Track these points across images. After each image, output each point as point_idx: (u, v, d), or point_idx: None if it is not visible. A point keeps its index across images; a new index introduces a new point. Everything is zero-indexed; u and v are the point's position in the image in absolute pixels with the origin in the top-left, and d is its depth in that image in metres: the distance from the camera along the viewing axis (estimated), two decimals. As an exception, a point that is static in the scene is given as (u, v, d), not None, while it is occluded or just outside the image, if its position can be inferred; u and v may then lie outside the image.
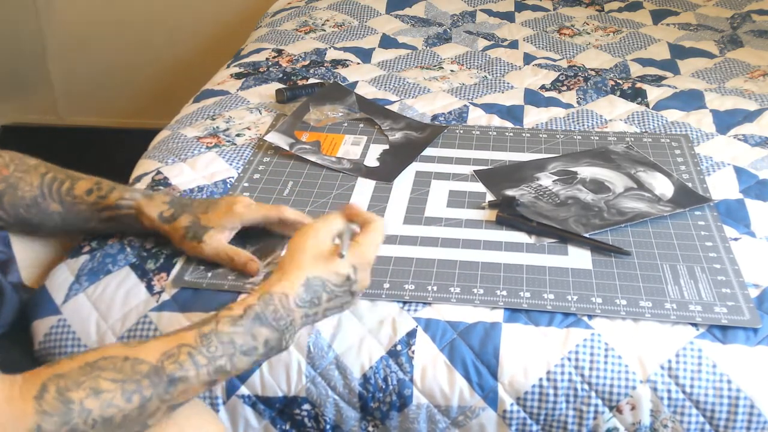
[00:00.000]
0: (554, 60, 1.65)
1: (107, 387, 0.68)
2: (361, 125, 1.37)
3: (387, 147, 1.30)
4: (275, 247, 1.03)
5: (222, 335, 0.76)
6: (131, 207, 1.01)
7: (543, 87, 1.52)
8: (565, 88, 1.51)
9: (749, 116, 1.38)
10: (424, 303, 0.96)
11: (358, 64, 1.64)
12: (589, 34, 1.79)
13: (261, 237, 1.04)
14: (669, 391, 0.88)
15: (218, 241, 0.99)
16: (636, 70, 1.59)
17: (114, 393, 0.68)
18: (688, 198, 1.14)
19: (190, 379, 0.73)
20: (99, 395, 0.68)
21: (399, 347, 0.92)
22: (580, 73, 1.57)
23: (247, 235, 1.03)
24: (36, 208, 1.00)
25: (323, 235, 0.86)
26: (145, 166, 1.26)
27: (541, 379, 0.89)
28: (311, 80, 1.55)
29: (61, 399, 0.66)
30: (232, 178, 1.21)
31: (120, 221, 1.03)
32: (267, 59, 1.67)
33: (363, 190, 1.18)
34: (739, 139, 1.31)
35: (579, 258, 1.02)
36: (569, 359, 0.90)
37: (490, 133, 1.34)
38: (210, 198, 1.06)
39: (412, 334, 0.92)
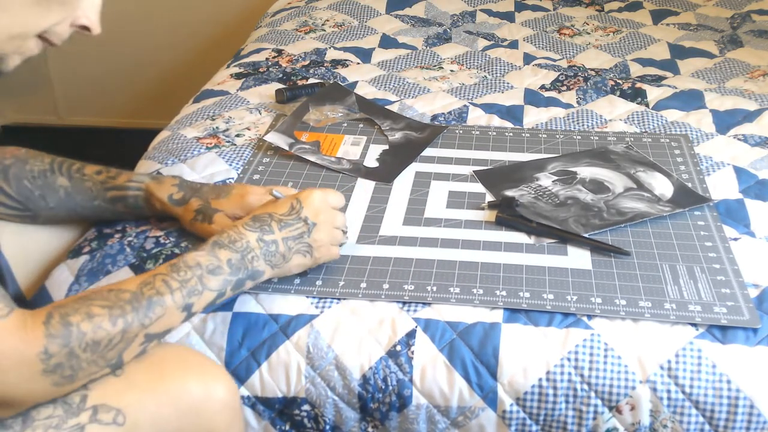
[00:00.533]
0: (554, 60, 1.65)
1: (98, 312, 0.76)
2: (361, 125, 1.37)
3: (387, 147, 1.30)
4: None
5: (188, 260, 0.84)
6: (140, 188, 1.05)
7: (543, 87, 1.52)
8: (565, 88, 1.51)
9: (749, 116, 1.38)
10: (424, 303, 0.96)
11: (358, 64, 1.64)
12: (589, 34, 1.79)
13: None
14: (668, 391, 0.88)
15: (228, 222, 1.02)
16: (636, 70, 1.59)
17: (103, 317, 0.75)
18: (687, 198, 1.14)
19: (166, 302, 0.80)
20: (92, 319, 0.75)
21: (398, 348, 0.92)
22: (580, 73, 1.57)
23: None
24: (42, 180, 1.03)
25: (261, 192, 1.00)
26: (145, 167, 1.26)
27: (540, 380, 0.89)
28: (311, 80, 1.55)
29: (63, 323, 0.73)
30: (232, 178, 1.21)
31: (126, 203, 1.05)
32: (267, 59, 1.67)
33: (363, 190, 1.18)
34: (738, 139, 1.31)
35: (578, 258, 1.02)
36: (569, 359, 0.90)
37: (490, 133, 1.34)
38: (220, 185, 1.08)
39: (411, 335, 0.92)
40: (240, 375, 0.93)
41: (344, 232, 1.00)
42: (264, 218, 0.91)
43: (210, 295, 0.84)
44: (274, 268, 0.91)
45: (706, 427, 0.88)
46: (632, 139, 1.31)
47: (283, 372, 0.92)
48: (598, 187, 1.17)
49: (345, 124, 1.37)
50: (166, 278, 0.81)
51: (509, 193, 1.16)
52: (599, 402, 0.89)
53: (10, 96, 2.67)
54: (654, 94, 1.47)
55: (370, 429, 0.93)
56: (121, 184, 1.05)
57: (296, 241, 0.92)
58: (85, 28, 0.78)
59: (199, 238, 1.04)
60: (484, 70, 1.60)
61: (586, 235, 1.05)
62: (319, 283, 0.98)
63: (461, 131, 1.35)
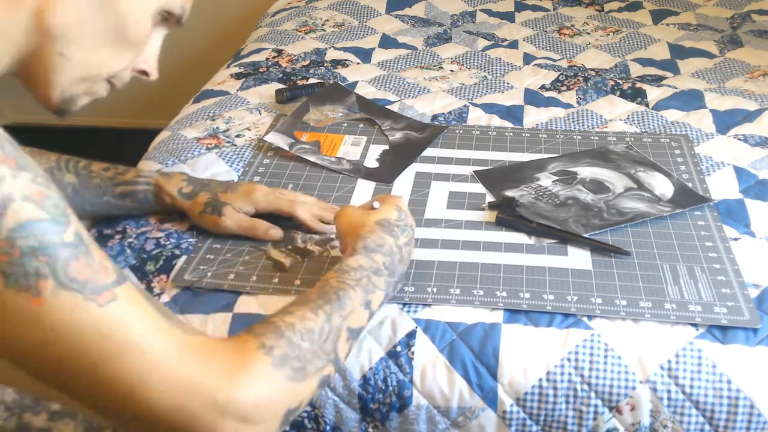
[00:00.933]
0: (554, 60, 1.65)
1: (295, 309, 0.74)
2: (361, 125, 1.37)
3: (387, 147, 1.30)
4: (289, 231, 1.07)
5: (351, 263, 0.84)
6: (149, 183, 1.06)
7: (543, 87, 1.52)
8: (565, 88, 1.51)
9: (749, 116, 1.38)
10: (424, 305, 0.96)
11: (358, 64, 1.64)
12: (589, 34, 1.79)
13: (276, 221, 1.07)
14: (669, 391, 0.88)
15: (236, 215, 1.04)
16: (636, 70, 1.59)
17: (303, 310, 0.74)
18: (687, 198, 1.14)
19: (351, 295, 0.79)
20: (292, 313, 0.73)
21: (399, 348, 0.92)
22: (580, 73, 1.57)
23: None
24: (49, 177, 1.02)
25: (355, 207, 0.97)
26: (145, 167, 1.26)
27: (540, 380, 0.89)
28: (311, 80, 1.55)
29: (265, 323, 0.71)
30: (232, 180, 1.21)
31: (135, 197, 1.06)
32: (267, 59, 1.67)
33: (363, 191, 1.18)
34: (739, 139, 1.31)
35: (579, 258, 1.02)
36: (569, 360, 0.90)
37: (490, 133, 1.34)
38: (227, 181, 1.11)
39: (411, 335, 0.92)
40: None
41: None
42: (388, 225, 0.91)
43: (380, 295, 0.85)
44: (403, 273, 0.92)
45: (707, 427, 0.88)
46: (632, 139, 1.31)
47: (283, 372, 0.92)
48: (598, 187, 1.17)
49: (345, 124, 1.37)
50: (339, 278, 0.81)
51: (509, 193, 1.16)
52: (599, 402, 0.89)
53: (10, 96, 2.67)
54: (654, 94, 1.47)
55: (370, 429, 0.93)
56: (130, 179, 1.06)
57: (408, 247, 0.93)
58: (144, 73, 0.78)
59: (204, 231, 1.06)
60: (484, 70, 1.60)
61: (586, 236, 1.05)
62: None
63: (461, 131, 1.35)
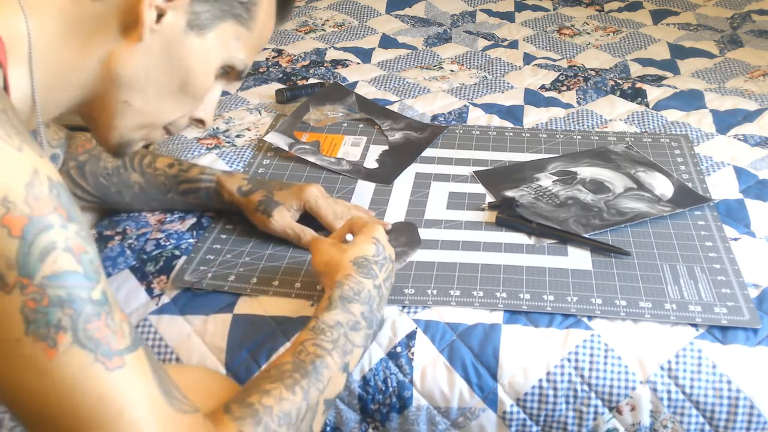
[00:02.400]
0: (554, 60, 1.65)
1: (271, 387, 0.72)
2: (361, 125, 1.37)
3: (386, 148, 1.30)
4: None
5: (327, 320, 0.81)
6: (212, 181, 1.08)
7: (543, 87, 1.52)
8: (565, 88, 1.51)
9: (749, 116, 1.38)
10: (424, 307, 0.96)
11: (358, 64, 1.64)
12: (589, 34, 1.79)
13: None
14: (669, 391, 0.88)
15: (286, 218, 1.04)
16: (636, 70, 1.59)
17: (279, 389, 0.72)
18: (687, 198, 1.14)
19: (328, 363, 0.77)
20: (269, 393, 0.72)
21: (399, 349, 0.92)
22: (580, 73, 1.57)
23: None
24: (117, 177, 1.07)
25: (330, 241, 0.92)
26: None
27: (540, 380, 0.89)
28: (311, 80, 1.55)
29: (243, 405, 0.70)
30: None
31: (197, 194, 1.09)
32: (267, 59, 1.67)
33: (363, 192, 1.18)
34: (739, 139, 1.31)
35: (579, 259, 1.02)
36: (569, 360, 0.90)
37: (490, 133, 1.34)
38: (286, 181, 1.12)
39: (411, 336, 0.92)
40: (240, 376, 0.92)
41: None
42: (366, 263, 0.88)
43: (358, 352, 0.82)
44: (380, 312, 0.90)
45: (707, 427, 0.88)
46: (632, 139, 1.31)
47: (283, 373, 0.92)
48: (598, 187, 1.17)
49: (345, 125, 1.37)
50: (316, 341, 0.79)
51: (509, 193, 1.16)
52: (599, 402, 0.89)
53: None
54: (654, 94, 1.47)
55: (370, 430, 0.93)
56: (194, 176, 1.08)
57: (389, 281, 0.90)
58: (200, 122, 0.78)
59: (204, 231, 1.06)
60: (484, 70, 1.60)
61: (586, 236, 1.05)
62: (319, 286, 0.98)
63: (461, 131, 1.35)
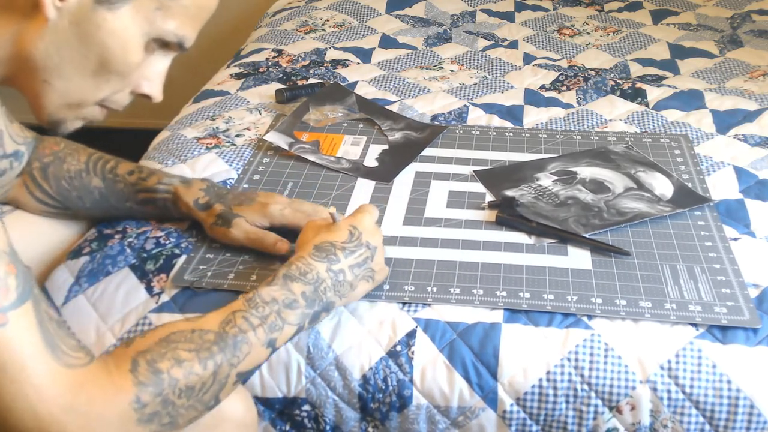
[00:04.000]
0: (554, 60, 1.65)
1: (186, 356, 0.72)
2: (361, 125, 1.37)
3: (386, 147, 1.30)
4: None
5: (263, 295, 0.81)
6: (169, 192, 1.05)
7: (543, 87, 1.52)
8: (565, 88, 1.51)
9: (749, 116, 1.38)
10: (424, 304, 0.96)
11: (358, 64, 1.64)
12: (589, 34, 1.79)
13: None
14: (669, 391, 0.88)
15: (245, 228, 1.02)
16: (636, 70, 1.59)
17: (192, 362, 0.72)
18: (687, 198, 1.14)
19: (250, 339, 0.77)
20: (181, 364, 0.72)
21: (399, 348, 0.92)
22: (580, 73, 1.57)
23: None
24: (78, 181, 1.04)
25: (319, 224, 0.93)
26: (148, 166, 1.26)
27: (540, 380, 0.89)
28: (311, 80, 1.55)
29: (151, 370, 0.70)
30: (232, 179, 1.21)
31: (155, 205, 1.06)
32: (267, 59, 1.67)
33: (363, 190, 1.18)
34: (739, 139, 1.31)
35: (579, 258, 1.02)
36: (569, 359, 0.90)
37: (490, 133, 1.34)
38: (246, 192, 1.09)
39: (411, 335, 0.92)
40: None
41: None
42: (328, 248, 0.88)
43: (290, 329, 0.82)
44: (342, 298, 0.89)
45: (707, 427, 0.88)
46: (632, 139, 1.31)
47: (283, 372, 0.92)
48: (598, 187, 1.17)
49: (345, 124, 1.37)
50: (245, 315, 0.79)
51: (509, 193, 1.16)
52: (599, 402, 0.89)
53: (10, 96, 2.67)
54: (654, 94, 1.47)
55: (370, 429, 0.93)
56: (151, 186, 1.05)
57: (362, 268, 0.90)
58: (147, 97, 0.77)
59: (204, 231, 1.05)
60: (484, 70, 1.60)
61: (586, 235, 1.05)
62: None
63: (461, 131, 1.35)
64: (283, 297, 0.82)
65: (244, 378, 0.79)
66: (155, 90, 0.77)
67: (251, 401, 0.89)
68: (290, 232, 1.01)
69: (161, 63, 0.76)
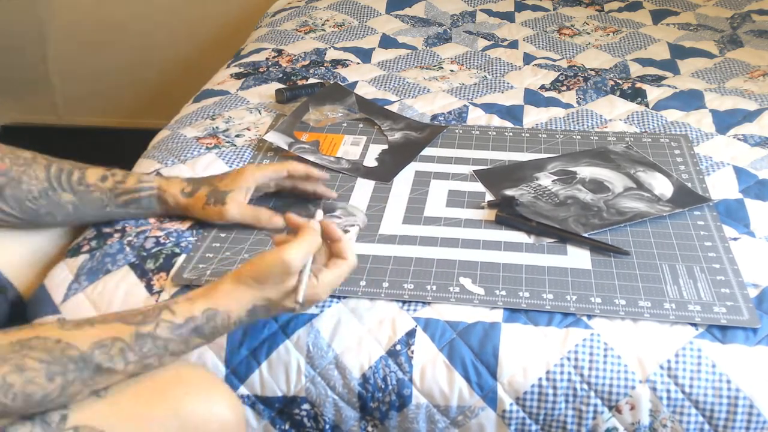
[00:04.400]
0: (554, 60, 1.65)
1: (32, 365, 0.71)
2: (361, 125, 1.37)
3: (386, 147, 1.30)
4: (307, 207, 1.11)
5: (158, 340, 0.78)
6: (153, 188, 1.06)
7: (543, 87, 1.52)
8: (564, 88, 1.51)
9: (749, 116, 1.38)
10: (424, 303, 0.96)
11: (358, 64, 1.64)
12: (589, 34, 1.79)
13: (288, 207, 1.08)
14: (668, 390, 0.88)
15: (240, 202, 1.04)
16: (636, 70, 1.59)
17: (38, 372, 0.71)
18: (687, 198, 1.14)
19: (116, 371, 0.76)
20: (23, 373, 0.70)
21: (398, 347, 0.92)
22: (579, 73, 1.57)
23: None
24: (45, 199, 1.01)
25: (296, 266, 0.83)
26: (144, 166, 1.26)
27: (540, 379, 0.89)
28: (311, 80, 1.55)
29: None
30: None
31: (139, 204, 1.07)
32: (267, 59, 1.67)
33: (362, 190, 1.18)
34: (738, 139, 1.31)
35: (578, 258, 1.02)
36: (568, 359, 0.90)
37: (490, 133, 1.34)
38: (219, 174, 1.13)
39: (411, 334, 0.92)
40: (240, 374, 0.93)
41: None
42: (259, 313, 0.85)
43: (159, 367, 0.81)
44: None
45: (706, 426, 0.88)
46: (632, 139, 1.31)
47: (283, 371, 0.92)
48: (597, 186, 1.17)
49: (345, 124, 1.37)
50: (125, 348, 0.76)
51: (509, 192, 1.16)
52: (599, 401, 0.89)
53: (10, 96, 2.67)
54: (654, 94, 1.47)
55: (369, 428, 0.93)
56: (133, 186, 1.05)
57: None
58: None
59: (205, 229, 1.07)
60: (484, 70, 1.60)
61: (585, 235, 1.05)
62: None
63: (461, 131, 1.35)
64: (175, 348, 0.79)
65: (99, 393, 0.77)
66: None
67: (237, 400, 0.88)
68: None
69: None
